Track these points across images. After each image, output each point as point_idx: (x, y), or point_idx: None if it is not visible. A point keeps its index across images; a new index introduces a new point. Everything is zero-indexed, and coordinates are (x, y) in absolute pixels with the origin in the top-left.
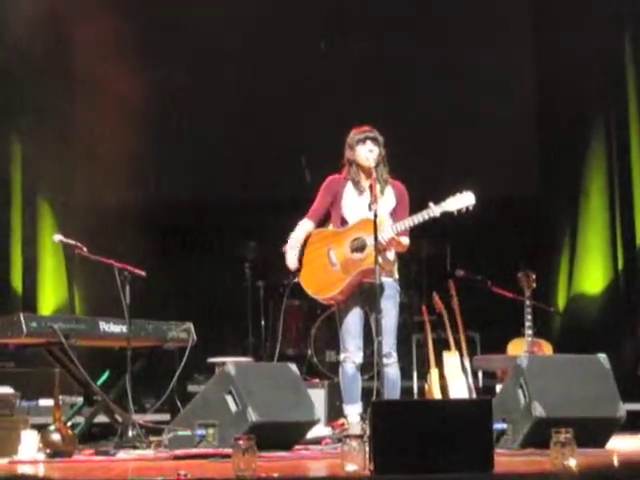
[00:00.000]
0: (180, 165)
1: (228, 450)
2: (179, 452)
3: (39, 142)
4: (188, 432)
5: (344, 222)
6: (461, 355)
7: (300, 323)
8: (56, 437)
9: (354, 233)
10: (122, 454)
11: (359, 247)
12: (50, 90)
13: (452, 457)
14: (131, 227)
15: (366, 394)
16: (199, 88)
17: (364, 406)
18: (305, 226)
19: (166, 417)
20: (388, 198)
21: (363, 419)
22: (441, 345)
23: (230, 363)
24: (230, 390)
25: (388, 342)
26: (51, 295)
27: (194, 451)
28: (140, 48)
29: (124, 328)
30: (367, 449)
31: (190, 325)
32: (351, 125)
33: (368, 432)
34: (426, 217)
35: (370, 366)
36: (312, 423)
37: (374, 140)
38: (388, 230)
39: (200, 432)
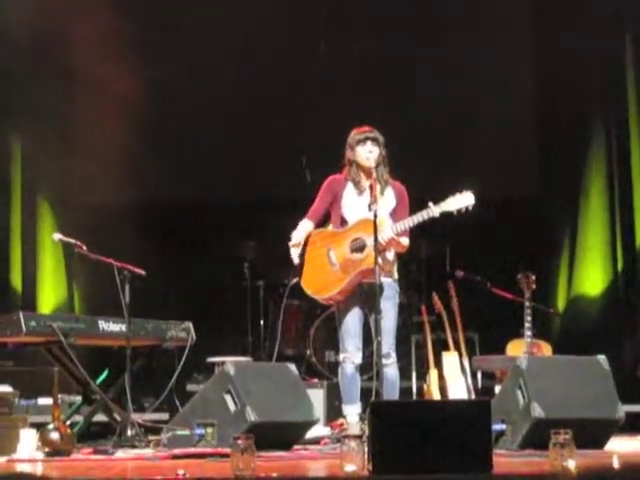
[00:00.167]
0: (180, 165)
1: (227, 450)
2: (178, 451)
3: (39, 142)
4: (187, 431)
5: (344, 222)
6: (460, 356)
7: (299, 323)
8: (55, 436)
9: (354, 233)
10: (121, 453)
11: (359, 247)
12: (50, 90)
13: (451, 458)
14: (130, 226)
15: (365, 394)
16: (199, 88)
17: (363, 406)
18: (305, 226)
19: (165, 416)
20: (388, 198)
21: (362, 419)
22: (440, 346)
23: (229, 363)
24: (229, 390)
25: (387, 342)
26: (50, 294)
27: (193, 450)
28: (140, 48)
29: (123, 327)
30: (366, 449)
31: (189, 324)
32: (351, 125)
33: (367, 432)
34: (425, 217)
35: (369, 366)
36: (311, 423)
37: (374, 140)
38: (388, 230)
39: (199, 431)
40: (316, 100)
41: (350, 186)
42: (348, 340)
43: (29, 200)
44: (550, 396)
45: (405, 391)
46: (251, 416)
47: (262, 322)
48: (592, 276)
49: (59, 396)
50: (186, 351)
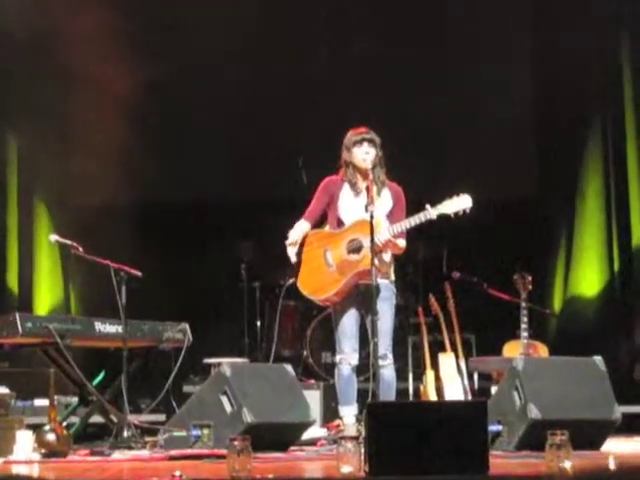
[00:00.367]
0: (176, 166)
1: (223, 451)
2: (174, 453)
3: (36, 142)
4: (183, 433)
5: (340, 223)
6: (457, 357)
7: (296, 324)
8: (51, 437)
9: (350, 234)
10: (117, 454)
11: (355, 248)
12: (47, 90)
13: (447, 459)
14: (127, 227)
15: (362, 395)
16: (199, 88)
17: (359, 407)
18: (301, 226)
19: (161, 418)
20: (385, 200)
21: (358, 420)
22: (437, 347)
23: (226, 364)
24: (225, 391)
25: (384, 344)
26: (47, 295)
27: (189, 452)
28: (140, 47)
29: (120, 328)
30: (362, 451)
31: (186, 326)
32: (351, 125)
33: (363, 434)
34: (423, 219)
35: (366, 368)
36: (307, 424)
37: (371, 142)
38: (384, 232)
39: (195, 433)
40: (316, 100)
41: (346, 187)
42: (344, 341)
43: (26, 201)
44: (546, 397)
45: (401, 392)
46: (247, 417)
47: (259, 323)
48: (588, 277)
49: (55, 397)
50: (182, 352)
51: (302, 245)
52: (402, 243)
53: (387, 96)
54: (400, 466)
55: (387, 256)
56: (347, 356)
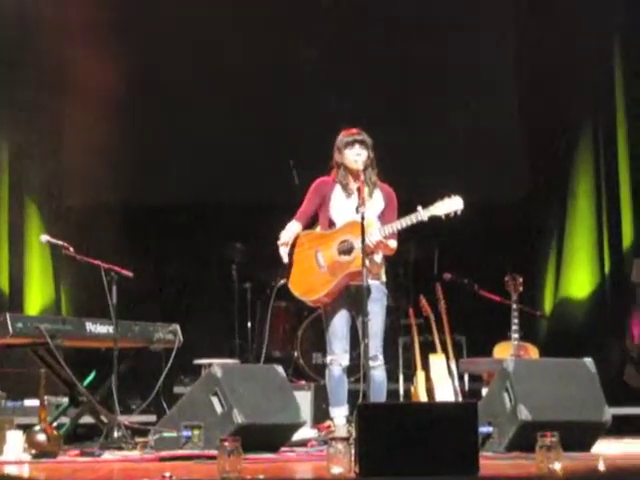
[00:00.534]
0: (167, 167)
1: (214, 452)
2: (165, 453)
3: (26, 142)
4: (174, 433)
5: (332, 224)
6: (447, 358)
7: (287, 325)
8: (41, 437)
9: (342, 235)
10: (107, 455)
11: (347, 249)
12: (38, 89)
13: (438, 460)
14: (118, 228)
15: (352, 396)
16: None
17: (350, 408)
18: (293, 227)
19: (152, 418)
20: (376, 201)
21: (349, 421)
22: (427, 348)
23: (216, 365)
24: (216, 392)
25: (374, 345)
26: (38, 295)
27: (180, 452)
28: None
29: (110, 329)
30: (353, 452)
31: (176, 326)
32: (342, 127)
33: (354, 434)
34: (414, 221)
35: (356, 368)
36: (298, 425)
37: (362, 143)
38: (376, 233)
39: (186, 433)
40: (307, 102)
41: (338, 188)
42: (335, 342)
43: (16, 201)
44: (537, 399)
45: (392, 393)
46: (238, 418)
47: (249, 324)
48: (579, 278)
49: (46, 398)
50: (173, 353)
51: (293, 246)
52: (393, 244)
53: (379, 97)
54: (390, 467)
55: (378, 257)
56: (338, 357)
